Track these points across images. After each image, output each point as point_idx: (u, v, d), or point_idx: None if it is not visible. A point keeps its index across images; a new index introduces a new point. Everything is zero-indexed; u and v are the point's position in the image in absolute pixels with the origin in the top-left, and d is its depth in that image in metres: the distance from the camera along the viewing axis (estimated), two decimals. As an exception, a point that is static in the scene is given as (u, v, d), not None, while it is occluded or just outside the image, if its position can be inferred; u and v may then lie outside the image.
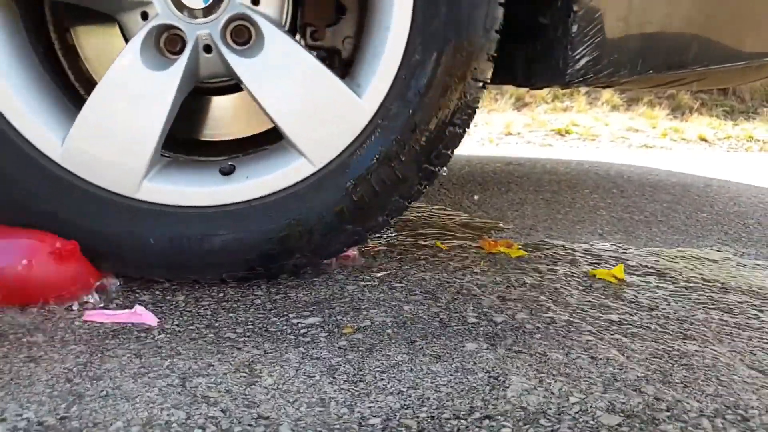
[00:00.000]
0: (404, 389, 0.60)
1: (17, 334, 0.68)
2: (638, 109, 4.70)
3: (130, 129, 0.77)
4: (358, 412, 0.55)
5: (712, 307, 0.84)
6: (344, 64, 0.92)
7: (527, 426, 0.54)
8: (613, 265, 0.99)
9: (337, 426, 0.53)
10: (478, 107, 0.83)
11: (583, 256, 1.06)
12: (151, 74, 0.76)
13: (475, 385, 0.61)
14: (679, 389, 0.61)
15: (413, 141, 0.81)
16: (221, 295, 0.81)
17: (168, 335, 0.69)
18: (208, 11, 0.77)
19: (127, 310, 0.74)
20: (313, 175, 0.81)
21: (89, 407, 0.54)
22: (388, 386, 0.60)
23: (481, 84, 0.82)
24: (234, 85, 1.00)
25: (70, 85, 0.94)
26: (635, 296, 0.87)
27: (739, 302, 0.86)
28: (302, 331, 0.71)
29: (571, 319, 0.77)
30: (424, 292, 0.84)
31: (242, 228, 0.81)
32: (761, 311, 0.83)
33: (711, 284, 0.94)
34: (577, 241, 1.16)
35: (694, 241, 1.19)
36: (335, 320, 0.74)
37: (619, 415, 0.56)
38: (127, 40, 0.80)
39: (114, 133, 0.77)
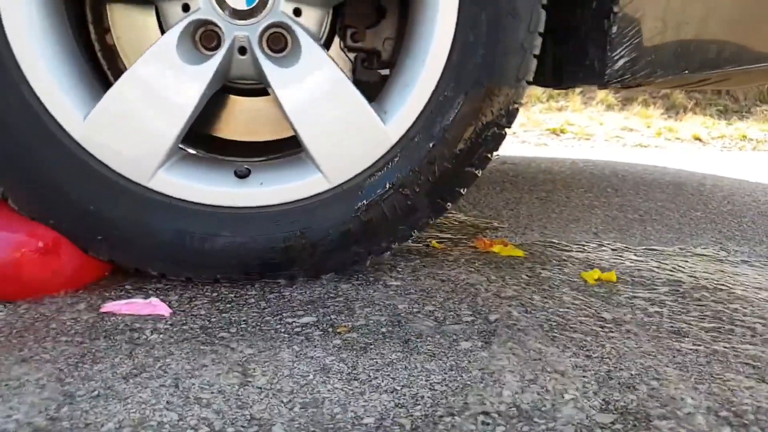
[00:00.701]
0: (398, 388, 0.59)
1: (7, 334, 0.67)
2: (633, 108, 4.72)
3: (154, 117, 0.77)
4: (352, 411, 0.55)
5: (705, 305, 0.84)
6: (383, 65, 0.92)
7: (521, 424, 0.54)
8: (607, 264, 0.99)
9: (331, 426, 0.53)
10: (497, 151, 0.84)
11: (577, 255, 1.06)
12: (184, 67, 0.76)
13: (469, 383, 0.60)
14: (673, 387, 0.61)
15: (430, 174, 0.82)
16: (215, 294, 0.81)
17: (160, 335, 0.69)
18: (249, 14, 0.77)
19: (141, 301, 0.74)
20: (326, 191, 0.81)
21: (80, 408, 0.54)
22: (382, 385, 0.60)
23: (504, 131, 0.83)
24: (259, 89, 0.99)
25: (109, 84, 0.93)
26: (630, 294, 0.87)
27: (732, 300, 0.87)
28: (296, 330, 0.71)
29: (566, 318, 0.77)
30: (419, 291, 0.84)
31: (247, 233, 0.80)
32: (754, 309, 0.84)
33: (705, 283, 0.94)
34: (571, 240, 1.16)
35: (688, 239, 1.20)
36: (329, 319, 0.74)
37: (614, 413, 0.56)
38: (163, 31, 0.80)
39: (138, 118, 0.76)
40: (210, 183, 0.80)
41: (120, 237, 0.79)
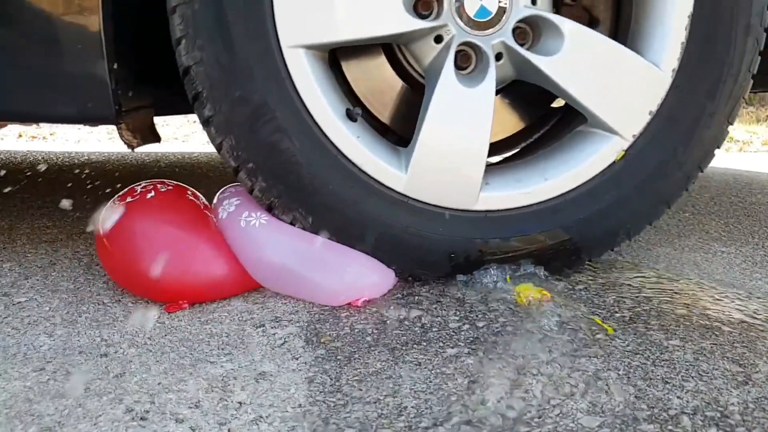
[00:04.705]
0: (381, 398, 0.58)
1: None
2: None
3: (344, 7, 0.77)
4: (334, 423, 0.54)
5: (693, 303, 0.84)
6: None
7: None
8: (598, 265, 0.98)
9: (312, 438, 0.51)
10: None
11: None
12: (401, 10, 0.78)
13: (454, 390, 0.59)
14: (660, 386, 0.60)
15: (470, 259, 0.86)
16: (197, 306, 0.79)
17: (138, 349, 0.67)
18: (470, 21, 0.80)
19: None
20: (392, 191, 0.82)
21: (49, 427, 0.52)
22: (366, 396, 0.58)
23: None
24: (409, 76, 0.99)
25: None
26: (617, 295, 0.87)
27: (719, 299, 0.86)
28: (279, 342, 0.70)
29: (553, 320, 0.76)
30: (405, 297, 0.83)
31: (311, 158, 0.79)
32: (741, 307, 0.83)
33: (692, 281, 0.94)
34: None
35: (676, 240, 1.20)
36: (314, 329, 0.73)
37: (600, 416, 0.55)
38: None
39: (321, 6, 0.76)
40: (325, 97, 0.79)
41: (223, 74, 0.76)
